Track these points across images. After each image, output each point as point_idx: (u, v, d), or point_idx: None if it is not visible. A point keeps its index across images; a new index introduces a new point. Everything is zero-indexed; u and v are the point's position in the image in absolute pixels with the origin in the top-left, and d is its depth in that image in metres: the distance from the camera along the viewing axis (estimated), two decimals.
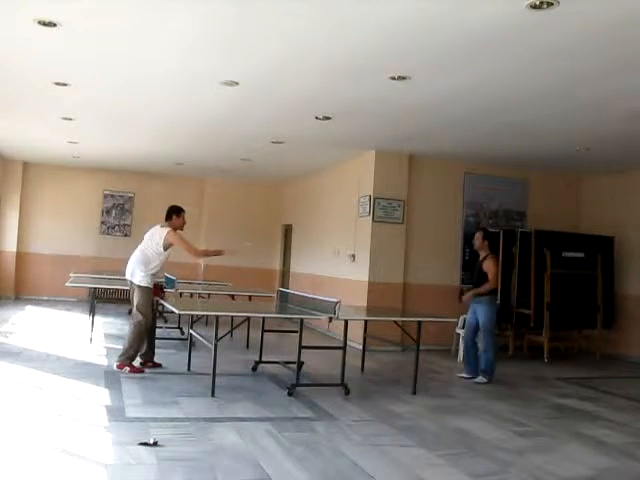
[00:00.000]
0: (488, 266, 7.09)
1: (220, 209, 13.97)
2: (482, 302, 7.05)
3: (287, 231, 13.76)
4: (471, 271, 9.71)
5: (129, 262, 6.51)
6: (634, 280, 9.67)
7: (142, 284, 6.34)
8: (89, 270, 10.97)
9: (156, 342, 8.15)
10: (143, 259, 6.43)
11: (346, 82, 6.01)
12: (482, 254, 7.28)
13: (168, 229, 6.48)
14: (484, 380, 6.93)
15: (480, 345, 7.07)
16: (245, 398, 5.53)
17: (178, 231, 6.53)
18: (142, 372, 6.28)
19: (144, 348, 6.52)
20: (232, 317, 6.29)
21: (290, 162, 11.11)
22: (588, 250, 9.45)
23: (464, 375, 7.26)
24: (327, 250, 10.88)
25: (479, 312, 7.07)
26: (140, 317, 6.27)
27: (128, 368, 6.17)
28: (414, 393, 6.20)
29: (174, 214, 6.64)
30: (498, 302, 7.37)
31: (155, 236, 6.49)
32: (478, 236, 7.37)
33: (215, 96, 6.73)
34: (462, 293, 7.67)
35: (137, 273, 6.36)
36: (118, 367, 6.19)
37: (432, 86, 5.95)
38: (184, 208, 6.74)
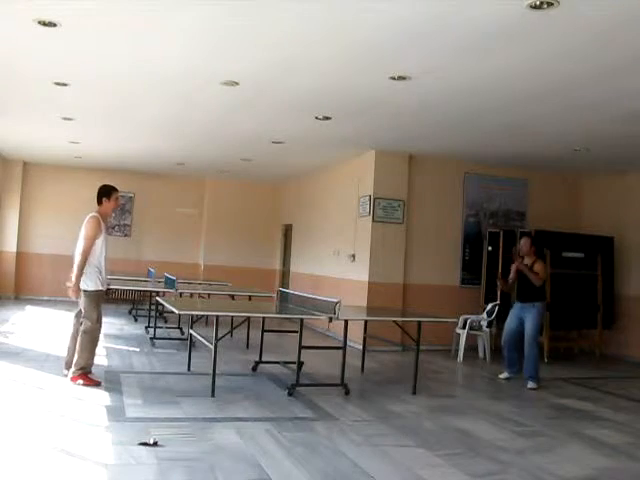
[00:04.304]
0: (537, 268, 7.05)
1: (220, 209, 13.97)
2: (535, 307, 7.00)
3: (287, 231, 13.75)
4: (473, 271, 9.82)
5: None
6: (634, 280, 9.67)
7: (88, 288, 5.55)
8: None
9: (156, 342, 8.26)
10: None
11: (346, 82, 6.01)
12: (528, 260, 7.18)
13: (92, 214, 5.69)
14: (535, 385, 6.87)
15: (526, 350, 6.97)
16: (245, 398, 5.53)
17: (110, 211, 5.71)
18: (98, 384, 5.55)
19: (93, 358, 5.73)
20: (232, 317, 6.28)
21: (290, 162, 11.11)
22: (588, 250, 9.44)
23: (506, 376, 7.26)
24: (327, 250, 10.87)
25: (528, 317, 7.00)
26: (89, 324, 5.56)
27: (82, 380, 5.51)
28: (414, 393, 6.19)
29: (104, 197, 5.75)
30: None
31: (82, 228, 5.67)
32: (526, 242, 7.29)
33: (215, 96, 6.73)
34: (500, 277, 7.72)
35: None
36: (71, 380, 5.54)
37: (432, 86, 5.95)
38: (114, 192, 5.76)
